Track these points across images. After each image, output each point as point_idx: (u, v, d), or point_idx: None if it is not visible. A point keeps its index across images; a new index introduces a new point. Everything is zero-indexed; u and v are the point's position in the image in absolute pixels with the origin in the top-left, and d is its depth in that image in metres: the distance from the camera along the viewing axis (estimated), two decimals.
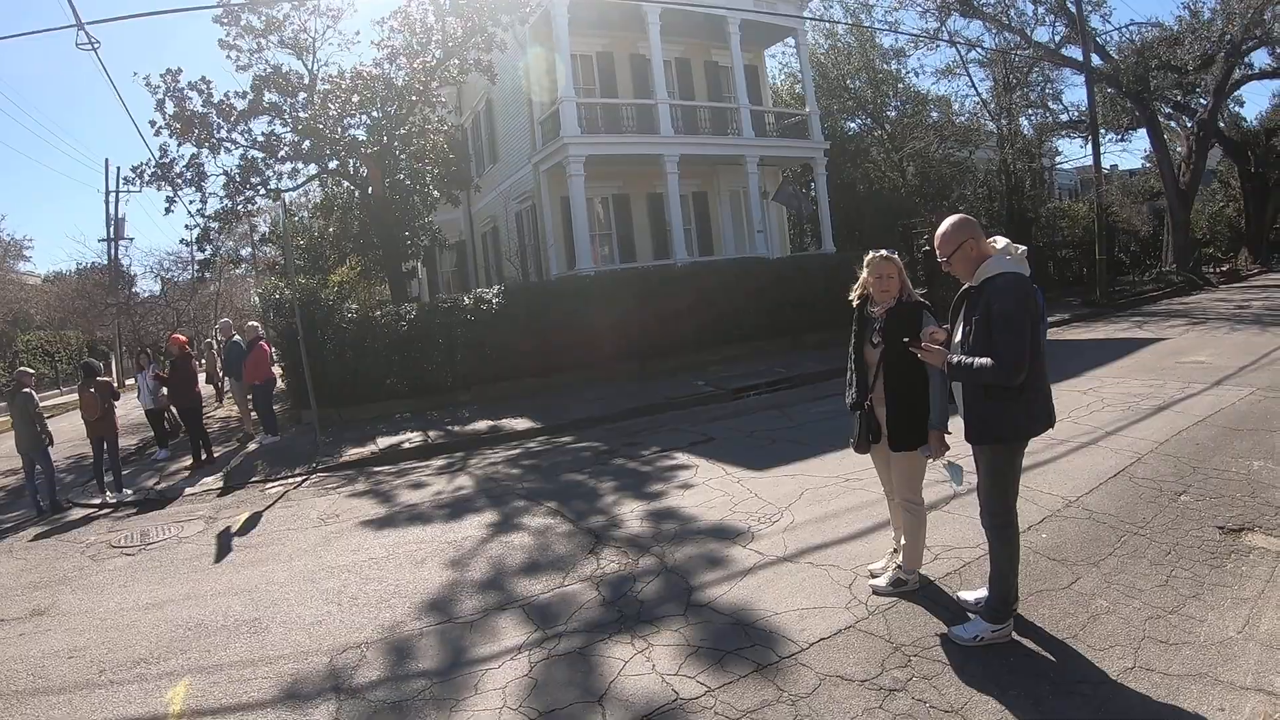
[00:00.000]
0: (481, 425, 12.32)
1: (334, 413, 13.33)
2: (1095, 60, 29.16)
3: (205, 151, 16.86)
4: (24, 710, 4.46)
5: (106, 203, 33.84)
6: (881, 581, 4.90)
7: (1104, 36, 31.32)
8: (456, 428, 12.46)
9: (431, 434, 12.11)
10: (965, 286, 4.20)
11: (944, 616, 4.48)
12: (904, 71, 33.12)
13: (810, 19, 25.63)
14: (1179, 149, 36.49)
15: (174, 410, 12.10)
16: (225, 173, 17.31)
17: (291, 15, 17.14)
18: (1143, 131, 34.82)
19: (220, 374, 20.26)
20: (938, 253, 4.20)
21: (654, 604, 5.05)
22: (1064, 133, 36.52)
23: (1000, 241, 4.11)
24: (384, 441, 11.74)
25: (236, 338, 13.67)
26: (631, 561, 5.85)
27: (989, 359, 3.84)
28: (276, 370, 14.92)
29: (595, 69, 21.44)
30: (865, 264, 4.80)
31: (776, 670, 4.07)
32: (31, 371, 10.91)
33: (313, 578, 6.21)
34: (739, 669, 4.11)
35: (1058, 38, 31.56)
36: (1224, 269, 34.14)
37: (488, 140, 24.60)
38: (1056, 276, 30.01)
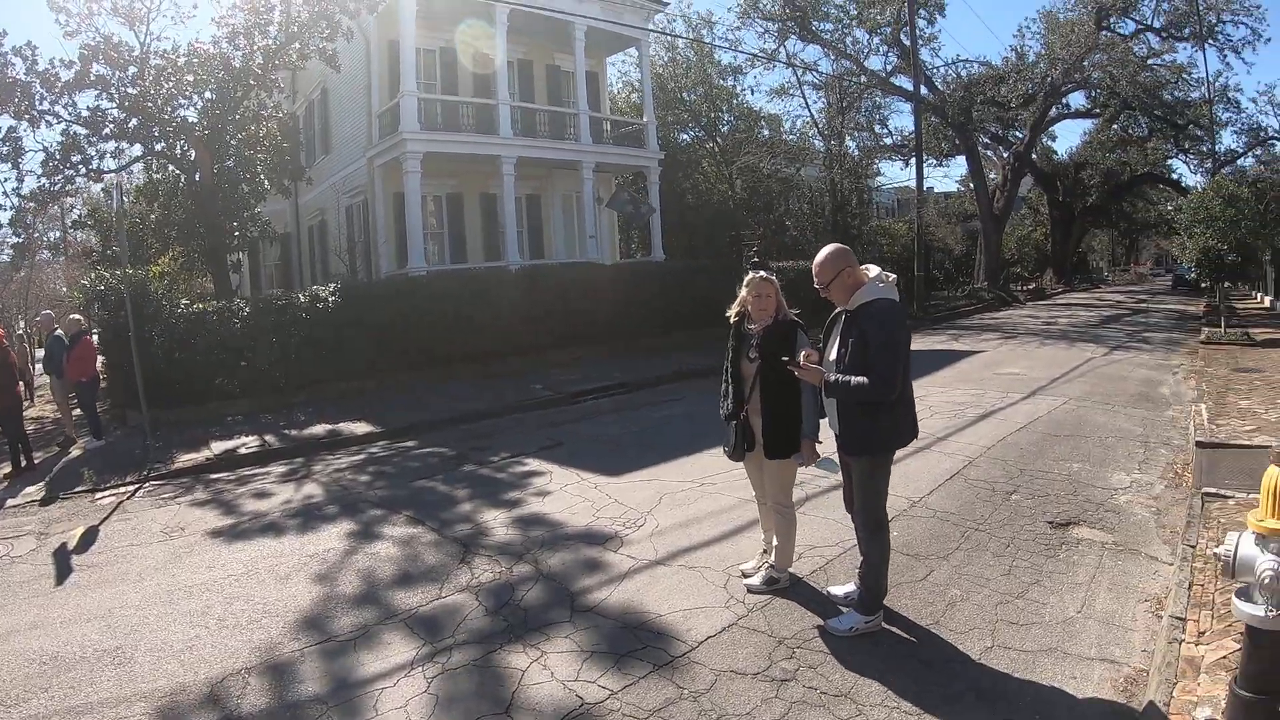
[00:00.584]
0: (320, 429, 12.29)
1: (161, 414, 12.89)
2: (924, 91, 31.70)
3: (25, 124, 15.68)
4: None
5: None
6: (756, 580, 5.30)
7: (930, 70, 34.11)
8: (294, 431, 12.36)
9: (268, 438, 11.96)
10: (838, 309, 4.65)
11: (817, 610, 4.94)
12: (739, 89, 34.62)
13: (654, 31, 26.45)
14: (993, 176, 40.28)
15: None
16: (45, 149, 16.17)
17: None
18: (961, 158, 38.31)
19: (32, 370, 18.91)
20: (816, 279, 4.57)
21: (539, 610, 5.22)
22: (887, 155, 39.41)
23: (873, 270, 4.54)
24: (218, 446, 11.51)
25: (59, 331, 12.94)
26: (506, 570, 6.01)
27: (865, 378, 4.21)
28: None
29: (438, 64, 21.42)
30: (745, 283, 5.11)
31: (673, 669, 4.34)
32: None
33: (171, 598, 6.05)
34: (637, 670, 4.35)
35: (889, 67, 34.15)
36: (1031, 287, 38.14)
37: (321, 130, 23.99)
38: None
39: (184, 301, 14.05)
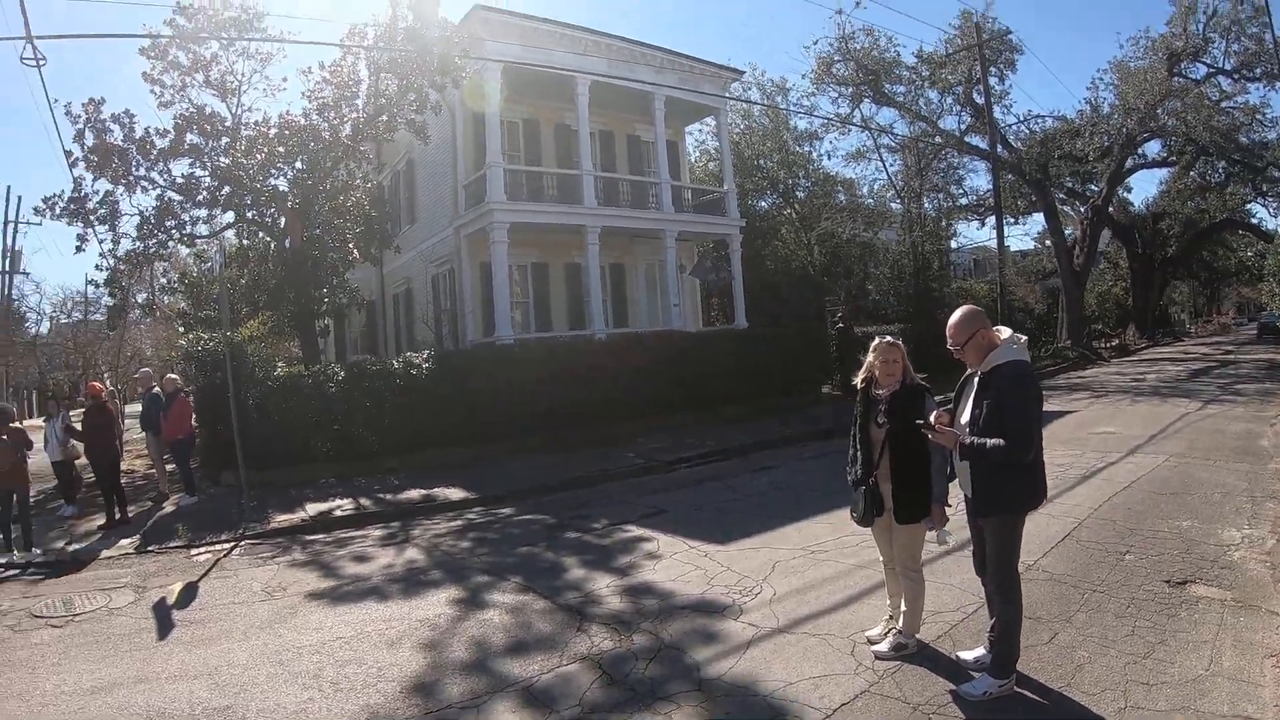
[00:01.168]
0: (414, 494, 11.96)
1: (255, 475, 12.73)
2: (1000, 149, 31.28)
3: (121, 189, 16.06)
4: None
5: (4, 233, 31.77)
6: (884, 646, 5.11)
7: (1003, 127, 33.69)
8: (388, 495, 12.05)
9: (363, 501, 11.70)
10: (970, 371, 4.64)
11: (947, 675, 4.75)
12: (815, 154, 34.55)
13: (732, 99, 26.55)
14: (1071, 231, 39.28)
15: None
16: (140, 213, 16.48)
17: (219, 55, 16.64)
18: (1038, 215, 37.46)
19: (121, 424, 19.14)
20: (950, 340, 4.59)
21: (662, 681, 4.97)
22: (963, 215, 38.86)
23: (1005, 332, 4.55)
24: (313, 508, 11.25)
25: (156, 389, 12.96)
26: (625, 639, 5.73)
27: (1001, 439, 4.19)
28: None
29: (521, 136, 21.63)
30: (872, 349, 5.13)
31: None
32: None
33: (279, 659, 5.78)
34: None
35: (963, 126, 33.79)
36: (1114, 344, 36.72)
37: (406, 200, 24.36)
38: None
39: (280, 364, 14.00)
